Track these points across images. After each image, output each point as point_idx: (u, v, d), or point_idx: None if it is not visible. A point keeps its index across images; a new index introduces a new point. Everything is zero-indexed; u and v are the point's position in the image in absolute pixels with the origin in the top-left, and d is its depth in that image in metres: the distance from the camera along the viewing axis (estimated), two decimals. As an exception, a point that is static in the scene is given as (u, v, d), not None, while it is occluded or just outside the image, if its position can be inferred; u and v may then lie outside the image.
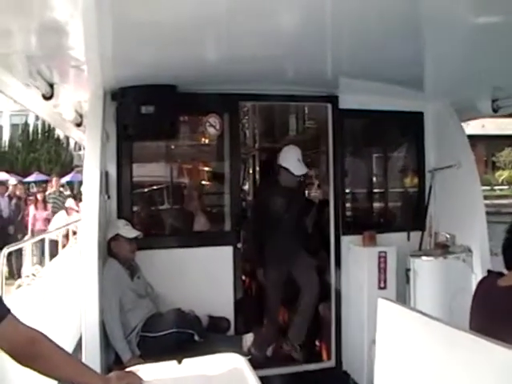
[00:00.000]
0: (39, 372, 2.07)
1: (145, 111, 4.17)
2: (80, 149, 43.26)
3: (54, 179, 13.65)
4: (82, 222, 3.94)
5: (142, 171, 4.95)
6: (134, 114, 4.19)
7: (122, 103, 4.27)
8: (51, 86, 3.95)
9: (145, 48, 3.33)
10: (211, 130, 4.69)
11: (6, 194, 12.17)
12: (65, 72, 3.82)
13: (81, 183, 15.37)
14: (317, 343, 5.37)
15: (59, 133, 41.97)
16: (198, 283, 4.44)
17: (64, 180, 28.26)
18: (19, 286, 4.83)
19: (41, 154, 39.17)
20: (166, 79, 4.15)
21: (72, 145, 41.58)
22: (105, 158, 4.13)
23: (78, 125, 5.26)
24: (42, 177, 24.91)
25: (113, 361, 3.99)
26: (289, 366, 4.89)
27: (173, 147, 5.22)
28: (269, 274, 5.21)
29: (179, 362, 2.51)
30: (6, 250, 4.45)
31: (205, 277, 4.48)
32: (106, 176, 4.20)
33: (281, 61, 3.73)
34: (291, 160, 4.98)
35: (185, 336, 3.97)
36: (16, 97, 4.06)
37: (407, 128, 5.13)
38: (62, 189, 15.40)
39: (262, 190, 4.97)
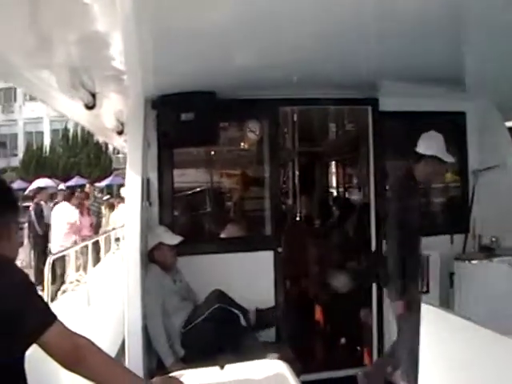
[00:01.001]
0: (84, 377, 2.10)
1: (185, 118, 4.21)
2: (119, 152, 44.09)
3: (88, 186, 13.71)
4: (124, 228, 3.98)
5: (183, 177, 5.00)
6: (174, 122, 4.24)
7: (162, 111, 4.31)
8: (93, 95, 4.02)
9: (184, 56, 3.36)
10: (251, 136, 4.71)
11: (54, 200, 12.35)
12: (106, 82, 3.89)
13: (119, 186, 15.58)
14: (358, 348, 5.32)
15: (98, 137, 42.80)
16: (238, 289, 4.43)
17: (103, 183, 28.81)
18: (64, 291, 4.93)
19: (81, 158, 39.96)
20: (206, 86, 4.17)
21: (111, 148, 42.32)
22: (146, 165, 4.18)
23: (119, 133, 5.34)
24: (83, 181, 25.37)
25: (155, 365, 4.03)
26: (330, 371, 4.85)
27: (212, 153, 5.26)
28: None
29: (222, 367, 2.52)
30: (50, 258, 4.54)
31: (245, 282, 4.48)
32: (148, 183, 4.26)
33: (321, 65, 3.72)
34: (438, 145, 4.27)
35: (229, 314, 4.01)
36: (59, 107, 4.15)
37: (449, 128, 5.02)
38: (99, 194, 15.57)
39: (399, 187, 4.40)
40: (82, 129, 43.23)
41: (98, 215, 13.54)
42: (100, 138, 41.58)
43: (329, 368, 4.90)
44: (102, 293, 5.09)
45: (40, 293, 2.09)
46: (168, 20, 2.66)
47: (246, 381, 2.40)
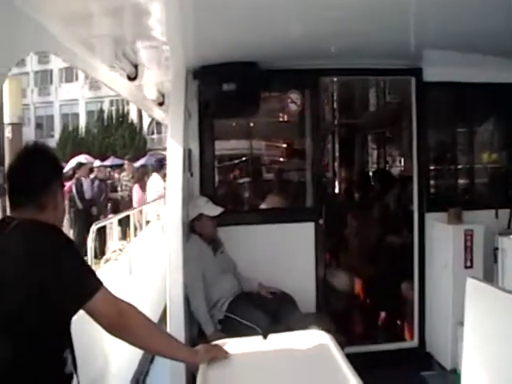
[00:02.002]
0: (129, 342, 2.14)
1: (226, 89, 4.19)
2: (153, 133, 44.48)
3: (127, 163, 13.97)
4: (166, 199, 4.01)
5: (224, 148, 5.00)
6: (216, 92, 4.23)
7: (204, 81, 4.32)
8: (135, 66, 4.04)
9: (226, 26, 3.34)
10: (292, 107, 4.66)
11: (92, 176, 12.57)
12: (148, 53, 3.90)
13: (153, 166, 15.71)
14: (398, 322, 5.28)
15: (133, 117, 43.19)
16: (279, 260, 4.46)
17: (138, 164, 29.08)
18: (107, 260, 5.01)
19: (115, 138, 40.43)
20: (247, 56, 4.14)
21: (145, 129, 42.70)
22: (187, 136, 4.18)
23: (160, 104, 5.36)
24: (118, 161, 25.58)
25: (196, 334, 4.07)
26: (369, 345, 4.82)
27: (253, 124, 5.23)
28: None
29: (265, 337, 2.52)
30: (94, 227, 4.62)
31: (286, 253, 4.50)
32: (189, 153, 4.26)
33: (363, 34, 3.64)
34: None
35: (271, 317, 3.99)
36: (102, 78, 4.17)
37: (497, 100, 4.86)
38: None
39: None
40: (117, 110, 43.85)
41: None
42: (133, 116, 42.29)
43: (369, 342, 4.89)
44: (143, 262, 5.15)
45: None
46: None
47: (290, 351, 2.39)
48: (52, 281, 1.89)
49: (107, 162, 25.38)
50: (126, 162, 14.26)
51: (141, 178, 12.99)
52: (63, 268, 1.93)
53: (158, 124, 42.77)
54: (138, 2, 2.71)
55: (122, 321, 2.00)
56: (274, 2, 2.86)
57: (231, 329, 3.96)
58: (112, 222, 6.02)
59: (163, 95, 5.21)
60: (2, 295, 1.89)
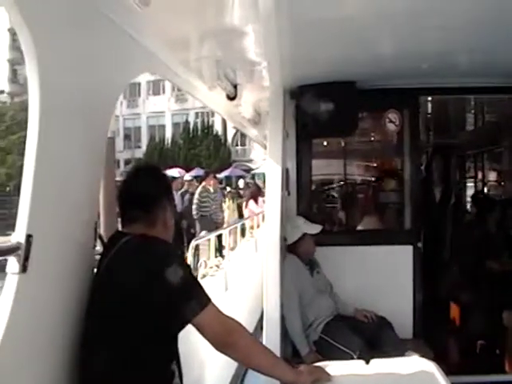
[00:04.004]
0: (234, 359, 2.16)
1: (324, 108, 4.17)
2: (237, 144, 45.23)
3: (212, 179, 12.81)
4: (265, 217, 4.04)
5: (320, 168, 4.98)
6: (313, 112, 4.21)
7: (302, 101, 4.31)
8: (235, 86, 4.10)
9: (324, 45, 3.33)
10: (390, 126, 4.58)
11: (182, 190, 12.79)
12: (247, 73, 3.95)
13: (238, 178, 15.93)
14: (497, 352, 5.02)
15: (218, 129, 44.12)
16: (375, 282, 4.38)
17: (222, 175, 29.61)
18: (204, 275, 5.10)
19: (200, 150, 41.41)
20: (345, 75, 4.11)
21: (229, 140, 43.46)
22: (285, 156, 4.20)
23: (256, 123, 5.42)
24: (202, 172, 26.11)
25: (291, 354, 4.05)
26: (468, 375, 4.61)
27: (349, 144, 5.19)
28: None
29: (367, 361, 2.47)
30: (194, 243, 4.72)
31: (382, 276, 4.41)
32: (287, 173, 4.27)
33: (464, 53, 3.53)
34: None
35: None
36: (202, 98, 4.26)
37: None
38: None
39: None
40: (202, 122, 44.95)
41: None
42: (218, 127, 43.15)
43: (466, 372, 4.68)
44: (238, 279, 5.20)
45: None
46: (308, 10, 2.64)
47: (393, 377, 2.33)
48: (162, 294, 1.93)
49: (192, 173, 25.99)
50: (211, 177, 12.93)
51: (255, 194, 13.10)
52: (174, 282, 1.96)
53: (243, 136, 43.53)
54: (237, 23, 2.76)
55: (229, 338, 2.02)
56: (372, 20, 2.81)
57: (325, 350, 3.93)
58: (209, 239, 6.14)
59: (259, 114, 5.26)
60: (113, 308, 1.97)
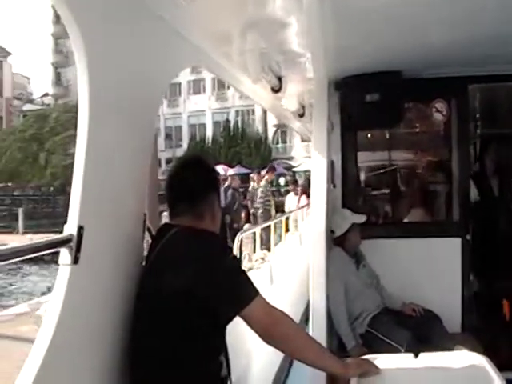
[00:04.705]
0: (282, 351, 2.16)
1: (369, 99, 4.12)
2: (278, 142, 45.25)
3: (262, 175, 14.16)
4: (311, 210, 4.03)
5: (365, 160, 4.93)
6: (359, 103, 4.17)
7: (346, 92, 4.28)
8: (279, 79, 4.09)
9: (368, 35, 3.27)
10: (438, 116, 4.49)
11: (225, 185, 12.94)
12: (291, 65, 3.93)
13: (278, 175, 15.97)
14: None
15: (258, 127, 44.24)
16: (422, 275, 4.31)
17: (263, 172, 29.64)
18: (250, 268, 5.12)
19: (241, 148, 41.58)
20: (391, 65, 4.04)
21: (270, 138, 43.51)
22: (330, 148, 4.17)
23: (300, 115, 5.40)
24: (244, 170, 26.27)
25: (336, 347, 4.02)
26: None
27: (395, 135, 5.12)
28: None
29: (416, 355, 2.44)
30: (239, 236, 4.75)
31: (429, 269, 4.33)
32: (332, 165, 4.24)
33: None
34: None
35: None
36: (246, 91, 4.27)
37: None
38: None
39: None
40: (242, 120, 45.16)
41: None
42: (258, 126, 43.31)
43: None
44: (283, 272, 5.20)
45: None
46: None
47: (443, 371, 2.29)
48: (211, 286, 1.94)
49: (233, 171, 26.14)
50: (260, 174, 14.44)
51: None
52: (222, 274, 1.98)
53: (283, 133, 43.55)
54: (280, 14, 2.75)
55: (277, 329, 2.02)
56: (420, 6, 2.75)
57: (372, 344, 3.90)
58: (254, 232, 6.17)
59: (303, 107, 5.24)
60: (162, 300, 1.99)
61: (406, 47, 3.56)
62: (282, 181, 21.42)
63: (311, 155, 4.01)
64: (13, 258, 1.61)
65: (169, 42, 2.38)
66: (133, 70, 2.04)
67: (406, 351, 3.46)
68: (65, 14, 1.60)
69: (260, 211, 12.85)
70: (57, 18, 55.29)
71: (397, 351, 3.57)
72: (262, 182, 13.44)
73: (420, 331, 3.92)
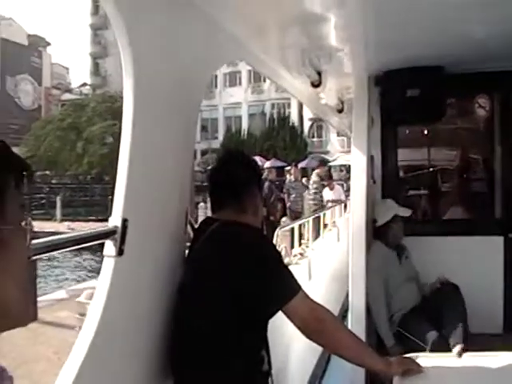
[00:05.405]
0: (323, 347, 2.16)
1: (410, 94, 4.06)
2: (313, 136, 45.06)
3: (294, 169, 14.19)
4: (350, 205, 4.01)
5: (405, 156, 4.87)
6: (399, 98, 4.11)
7: (387, 87, 4.22)
8: (319, 73, 4.07)
9: (410, 29, 3.21)
10: (480, 112, 4.41)
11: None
12: (331, 59, 3.90)
13: (313, 169, 15.89)
14: None
15: (294, 120, 44.11)
16: (462, 273, 4.22)
17: (299, 166, 29.53)
18: (288, 264, 5.12)
19: (277, 141, 41.50)
20: (432, 60, 3.97)
21: (306, 132, 43.33)
22: (370, 143, 4.14)
23: (339, 111, 5.36)
24: (279, 163, 26.18)
25: (375, 344, 4.00)
26: None
27: (437, 131, 5.04)
28: None
29: (459, 355, 2.41)
30: (279, 231, 4.76)
31: (470, 267, 4.26)
32: (372, 161, 4.21)
33: None
34: None
35: None
36: (285, 85, 4.27)
37: None
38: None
39: None
40: (278, 113, 45.05)
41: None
42: (294, 118, 43.24)
43: None
44: (321, 268, 5.19)
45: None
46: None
47: (487, 371, 2.24)
48: (254, 282, 1.95)
49: (268, 164, 26.08)
50: (293, 167, 14.43)
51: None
52: (267, 269, 1.99)
53: (319, 127, 43.32)
54: (321, 8, 2.73)
55: (319, 325, 2.01)
56: (460, 1, 2.69)
57: (402, 343, 3.85)
58: (293, 227, 6.17)
59: (343, 102, 5.21)
60: (205, 294, 2.00)
61: (447, 41, 3.48)
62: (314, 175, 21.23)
63: (351, 150, 3.98)
64: (59, 249, 1.66)
65: (211, 35, 2.39)
66: (176, 64, 2.06)
67: (431, 351, 3.44)
68: (110, 8, 1.63)
69: (313, 203, 12.96)
70: (95, 10, 56.22)
71: (422, 350, 3.50)
72: (314, 177, 13.43)
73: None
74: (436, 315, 3.84)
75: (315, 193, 13.05)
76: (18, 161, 0.84)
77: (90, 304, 1.73)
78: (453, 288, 3.95)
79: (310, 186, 13.32)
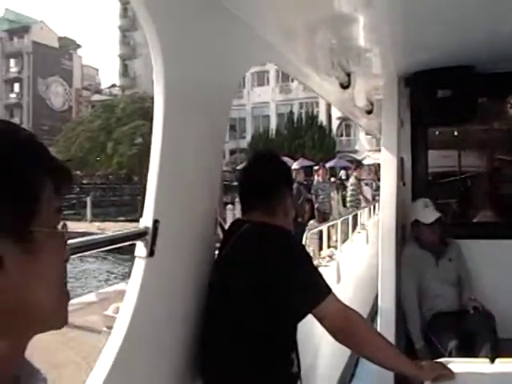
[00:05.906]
0: (353, 350, 2.15)
1: (441, 95, 4.02)
2: (342, 135, 44.82)
3: (321, 169, 14.00)
4: (380, 207, 3.98)
5: (435, 158, 4.81)
6: (430, 99, 4.07)
7: (417, 88, 4.17)
8: (348, 75, 4.05)
9: (439, 29, 3.17)
10: (513, 112, 4.34)
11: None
12: (360, 60, 3.89)
13: (341, 169, 15.89)
14: None
15: (322, 120, 43.92)
16: (490, 278, 4.15)
17: (327, 166, 29.40)
18: (317, 266, 5.09)
19: (305, 140, 41.37)
20: (463, 59, 3.91)
21: (334, 131, 43.10)
22: (400, 145, 4.11)
23: (368, 112, 5.33)
24: (307, 162, 26.10)
25: (404, 347, 3.96)
26: None
27: (468, 132, 4.97)
28: None
29: (492, 360, 2.37)
30: (307, 233, 4.75)
31: (499, 272, 4.16)
32: (402, 162, 4.18)
33: None
34: None
35: None
36: (314, 86, 4.26)
37: None
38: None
39: None
40: (307, 112, 44.91)
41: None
42: (322, 118, 43.08)
43: None
44: (350, 271, 5.17)
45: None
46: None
47: None
48: (284, 283, 1.95)
49: (296, 164, 26.01)
50: (321, 168, 14.22)
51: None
52: (296, 272, 1.99)
53: (347, 126, 43.04)
54: (349, 9, 2.72)
55: (350, 328, 2.00)
56: None
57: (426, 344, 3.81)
58: (322, 229, 6.16)
59: (372, 103, 5.18)
60: (234, 296, 2.01)
61: (478, 40, 3.43)
62: (342, 174, 21.03)
63: (381, 152, 3.95)
64: (91, 249, 1.68)
65: (241, 37, 2.41)
66: (205, 65, 2.08)
67: (449, 356, 3.39)
68: (141, 12, 1.66)
69: (350, 204, 13.38)
70: (124, 12, 56.86)
71: (441, 355, 3.45)
72: (352, 180, 13.90)
73: (474, 336, 3.73)
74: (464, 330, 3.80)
75: (352, 194, 13.40)
76: (57, 164, 0.85)
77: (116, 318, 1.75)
78: (486, 318, 3.86)
79: (348, 188, 13.82)
